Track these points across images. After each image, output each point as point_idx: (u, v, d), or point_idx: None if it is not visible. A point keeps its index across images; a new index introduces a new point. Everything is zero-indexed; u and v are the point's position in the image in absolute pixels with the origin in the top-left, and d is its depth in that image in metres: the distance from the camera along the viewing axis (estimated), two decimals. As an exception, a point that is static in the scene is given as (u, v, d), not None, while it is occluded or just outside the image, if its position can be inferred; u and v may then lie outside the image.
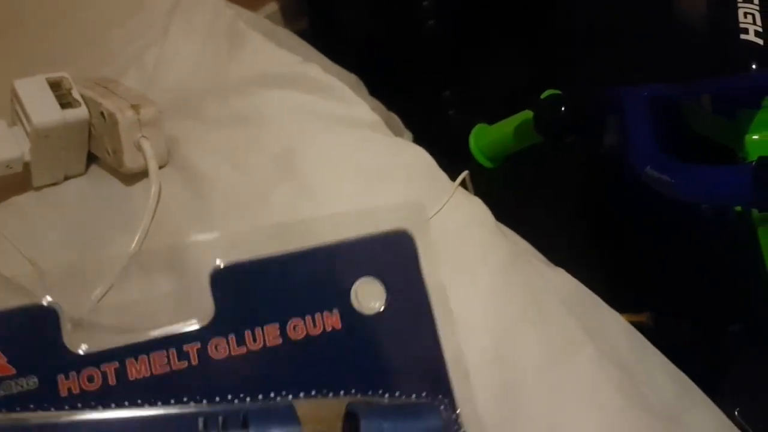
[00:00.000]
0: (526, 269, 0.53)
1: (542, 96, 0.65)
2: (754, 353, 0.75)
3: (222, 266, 0.36)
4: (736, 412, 0.60)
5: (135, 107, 0.60)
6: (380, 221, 0.37)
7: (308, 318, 0.34)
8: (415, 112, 1.07)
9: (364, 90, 0.93)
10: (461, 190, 0.59)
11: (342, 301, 0.34)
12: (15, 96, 0.61)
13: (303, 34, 1.41)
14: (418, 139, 1.02)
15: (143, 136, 0.60)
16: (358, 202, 0.58)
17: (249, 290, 0.35)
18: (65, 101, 0.61)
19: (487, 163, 0.71)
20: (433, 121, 1.21)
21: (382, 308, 0.35)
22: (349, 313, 0.34)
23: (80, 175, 0.65)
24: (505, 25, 1.19)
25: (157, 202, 0.60)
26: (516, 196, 0.93)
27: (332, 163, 0.60)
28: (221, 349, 0.34)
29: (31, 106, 0.60)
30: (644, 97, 0.56)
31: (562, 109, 0.61)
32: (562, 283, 0.55)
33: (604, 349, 0.50)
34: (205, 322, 0.35)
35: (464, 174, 0.59)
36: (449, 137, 0.91)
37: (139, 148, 0.60)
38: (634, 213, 0.83)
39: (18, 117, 0.61)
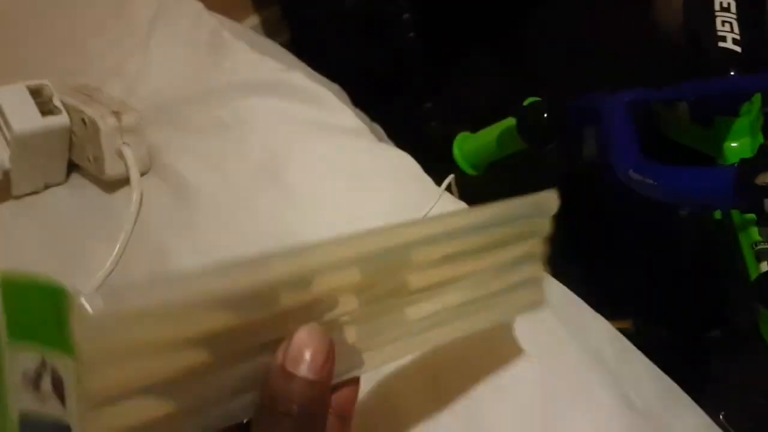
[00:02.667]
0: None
1: (525, 103, 0.65)
2: (734, 358, 0.76)
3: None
4: (721, 416, 0.60)
5: (116, 114, 0.59)
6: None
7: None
8: (397, 123, 1.07)
9: (347, 100, 0.93)
10: (447, 194, 0.59)
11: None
12: (-6, 103, 0.60)
13: (285, 48, 1.41)
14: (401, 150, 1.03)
15: (124, 143, 0.60)
16: (343, 208, 0.58)
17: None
18: (46, 109, 0.61)
19: (470, 171, 0.71)
20: (415, 132, 1.22)
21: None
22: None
23: (61, 183, 0.64)
24: (484, 37, 1.20)
25: (139, 209, 0.59)
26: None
27: (316, 170, 0.60)
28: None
29: (12, 114, 0.59)
30: (624, 102, 0.57)
31: (545, 115, 0.61)
32: (548, 286, 0.55)
33: (589, 351, 0.50)
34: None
35: (450, 178, 0.59)
36: (431, 148, 0.91)
37: (121, 155, 0.60)
38: (615, 222, 0.84)
39: (-2, 125, 0.61)
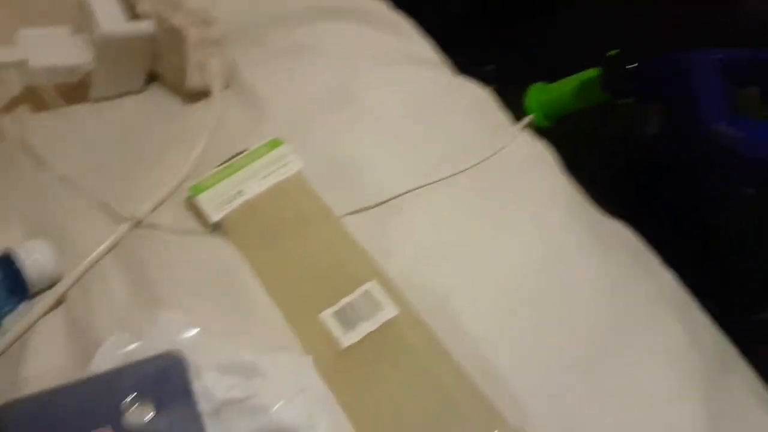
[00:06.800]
0: (588, 210, 0.53)
1: (609, 54, 0.64)
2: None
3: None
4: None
5: (203, 25, 0.60)
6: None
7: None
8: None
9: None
10: (524, 134, 0.59)
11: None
12: (82, 4, 0.61)
13: None
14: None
15: (210, 54, 0.60)
16: (411, 136, 0.58)
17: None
18: (133, 14, 0.61)
19: (543, 122, 0.70)
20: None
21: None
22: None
23: (140, 92, 0.64)
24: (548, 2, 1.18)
25: (217, 119, 0.59)
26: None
27: (389, 95, 0.60)
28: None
29: (99, 15, 0.59)
30: (716, 59, 0.56)
31: (633, 65, 0.60)
32: (620, 229, 0.55)
33: (661, 291, 0.50)
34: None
35: (529, 118, 0.59)
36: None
37: (204, 67, 0.60)
38: (673, 196, 0.83)
39: (83, 25, 0.61)
